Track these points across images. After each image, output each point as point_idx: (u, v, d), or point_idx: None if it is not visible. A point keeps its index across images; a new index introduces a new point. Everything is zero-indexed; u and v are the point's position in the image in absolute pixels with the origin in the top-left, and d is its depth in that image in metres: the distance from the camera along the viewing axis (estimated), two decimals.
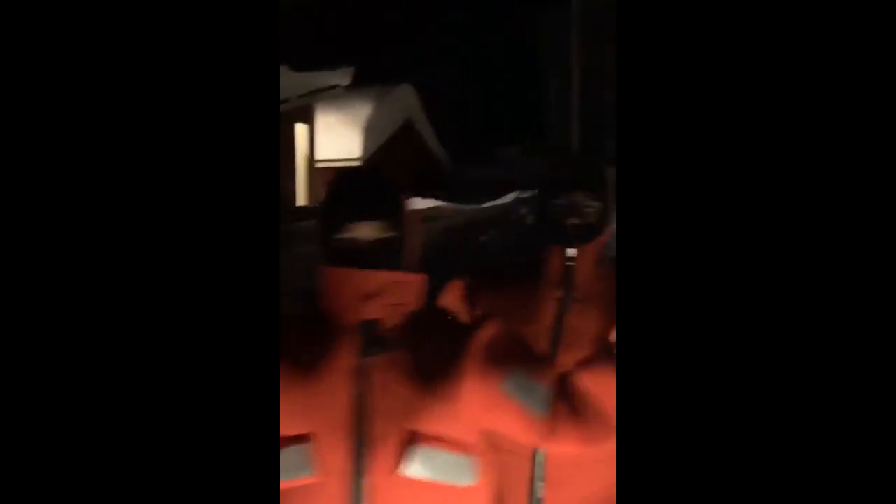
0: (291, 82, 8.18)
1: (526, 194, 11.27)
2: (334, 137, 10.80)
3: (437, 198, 10.52)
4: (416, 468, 0.92)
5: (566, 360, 1.13)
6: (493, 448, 1.04)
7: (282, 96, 7.45)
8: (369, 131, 11.40)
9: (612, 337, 0.98)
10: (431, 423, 0.95)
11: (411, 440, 0.93)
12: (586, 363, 1.03)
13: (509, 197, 11.49)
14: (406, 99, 12.29)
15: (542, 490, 1.33)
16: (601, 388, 0.98)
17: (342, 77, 11.99)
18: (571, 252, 1.29)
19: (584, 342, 1.23)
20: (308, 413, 0.95)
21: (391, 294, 0.98)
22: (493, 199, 11.40)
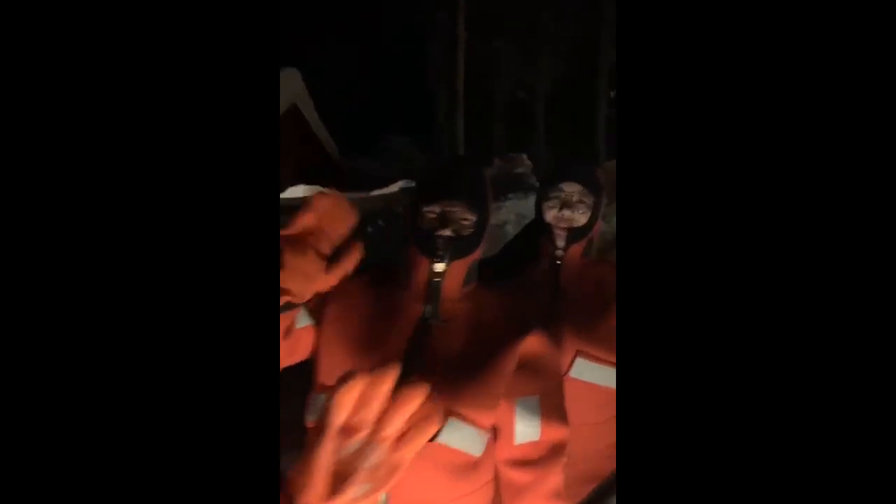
0: None
1: (412, 184, 11.35)
2: None
3: (323, 185, 10.40)
4: None
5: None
6: None
7: None
8: None
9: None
10: None
11: None
12: None
13: (396, 186, 11.53)
14: (292, 85, 12.03)
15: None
16: None
17: None
18: (440, 267, 1.17)
19: (438, 364, 1.15)
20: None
21: None
22: (381, 187, 11.40)
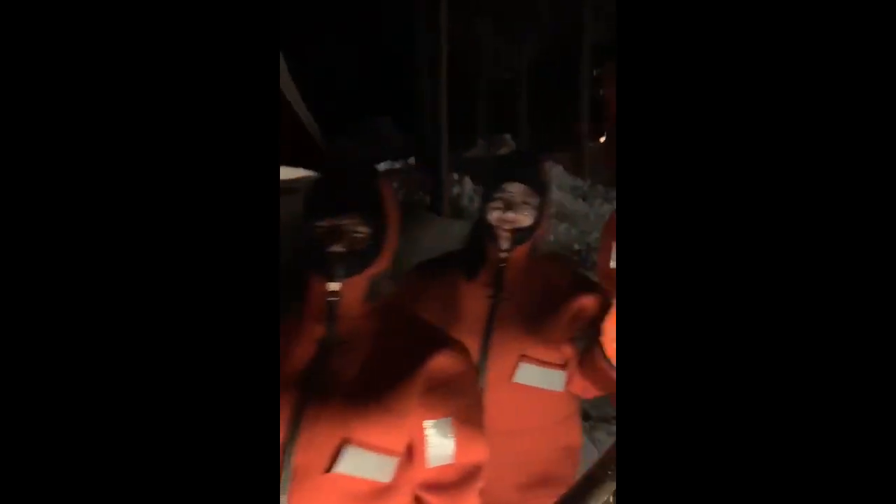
0: None
1: (396, 165, 11.28)
2: None
3: (306, 168, 10.31)
4: None
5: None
6: None
7: None
8: None
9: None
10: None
11: None
12: None
13: (380, 168, 11.44)
14: None
15: None
16: None
17: None
18: (334, 285, 1.10)
19: (339, 387, 1.11)
20: None
21: None
22: None
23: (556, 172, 9.43)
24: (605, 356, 1.35)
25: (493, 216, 1.51)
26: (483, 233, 1.53)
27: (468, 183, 8.33)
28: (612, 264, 1.87)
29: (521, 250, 1.52)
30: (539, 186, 1.53)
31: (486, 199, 1.53)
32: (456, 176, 8.28)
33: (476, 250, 1.56)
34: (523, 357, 1.46)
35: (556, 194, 8.71)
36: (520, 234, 1.50)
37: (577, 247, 7.02)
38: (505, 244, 1.50)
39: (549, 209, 1.57)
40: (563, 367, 1.48)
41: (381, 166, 10.85)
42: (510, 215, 1.49)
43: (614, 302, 1.29)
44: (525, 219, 1.50)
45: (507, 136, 12.76)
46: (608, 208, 8.42)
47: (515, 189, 1.50)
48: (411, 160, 10.02)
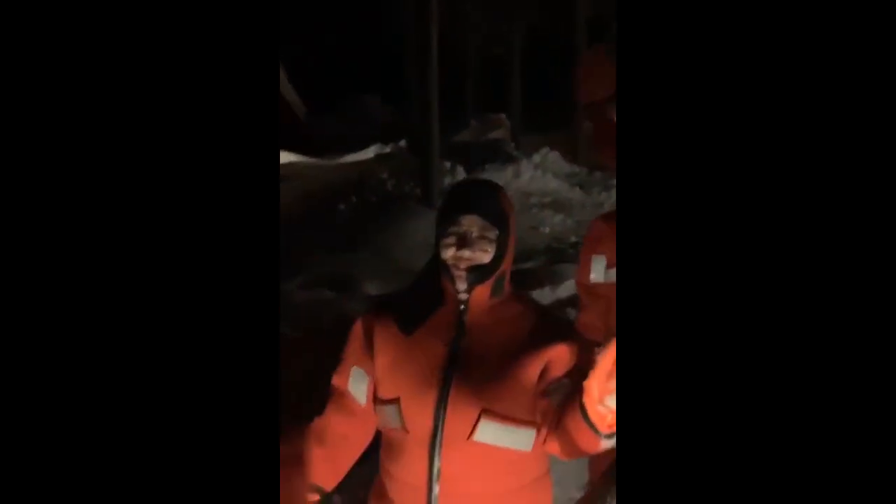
0: None
1: (387, 149, 10.98)
2: None
3: (293, 151, 10.08)
4: None
5: None
6: None
7: None
8: None
9: None
10: None
11: None
12: None
13: (370, 152, 11.17)
14: None
15: None
16: None
17: None
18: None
19: None
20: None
21: None
22: (353, 151, 11.05)
23: (552, 158, 9.24)
24: (586, 418, 1.13)
25: (448, 253, 1.35)
26: (438, 271, 1.38)
27: (461, 172, 8.08)
28: (592, 277, 1.79)
29: (482, 291, 1.36)
30: (498, 218, 1.36)
31: (440, 233, 1.37)
32: (448, 165, 8.04)
33: (432, 291, 1.40)
34: (485, 412, 1.30)
35: (551, 183, 8.54)
36: (478, 273, 1.34)
37: (573, 239, 6.86)
38: (462, 285, 1.34)
39: (513, 243, 1.39)
40: (530, 423, 1.31)
41: (371, 149, 10.56)
42: (466, 252, 1.33)
43: (598, 358, 1.09)
44: (483, 255, 1.34)
45: (503, 116, 12.37)
46: (606, 197, 8.24)
47: (471, 222, 1.34)
48: (402, 143, 9.75)
